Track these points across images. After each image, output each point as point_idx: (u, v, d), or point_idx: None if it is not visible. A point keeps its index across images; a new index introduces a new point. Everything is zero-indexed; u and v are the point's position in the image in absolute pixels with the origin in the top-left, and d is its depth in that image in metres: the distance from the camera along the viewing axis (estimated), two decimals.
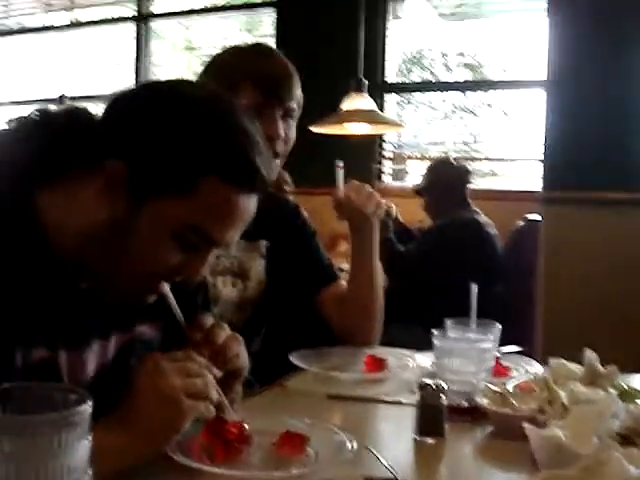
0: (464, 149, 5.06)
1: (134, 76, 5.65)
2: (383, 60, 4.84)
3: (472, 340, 1.37)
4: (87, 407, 0.69)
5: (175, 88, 1.08)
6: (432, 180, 3.62)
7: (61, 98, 4.71)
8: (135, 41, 5.68)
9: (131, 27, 5.71)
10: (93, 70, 5.93)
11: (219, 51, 1.70)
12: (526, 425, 1.03)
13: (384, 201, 1.77)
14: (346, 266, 3.86)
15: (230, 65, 1.62)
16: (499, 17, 4.89)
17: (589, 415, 1.04)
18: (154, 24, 5.74)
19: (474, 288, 1.51)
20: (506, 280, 3.30)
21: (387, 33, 4.84)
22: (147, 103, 1.03)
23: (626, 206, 3.10)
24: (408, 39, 5.10)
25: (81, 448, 0.69)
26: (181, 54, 6.03)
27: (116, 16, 5.81)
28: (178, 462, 1.01)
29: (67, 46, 5.96)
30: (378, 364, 1.62)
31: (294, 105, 1.64)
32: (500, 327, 1.46)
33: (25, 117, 1.07)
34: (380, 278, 1.81)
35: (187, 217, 0.99)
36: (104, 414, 0.99)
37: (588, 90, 3.18)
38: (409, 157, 5.28)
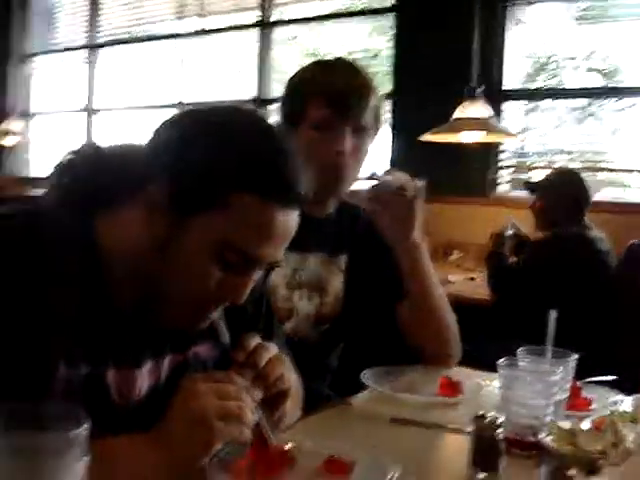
0: (592, 158, 4.85)
1: (257, 83, 5.75)
2: (501, 66, 4.71)
3: (540, 372, 1.29)
4: (85, 429, 0.69)
5: (212, 112, 1.10)
6: (554, 185, 3.46)
7: (179, 104, 4.86)
8: (258, 48, 5.78)
9: (255, 34, 5.81)
10: (217, 77, 6.09)
11: None
12: (571, 472, 0.96)
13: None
14: (453, 277, 3.82)
15: (303, 80, 1.65)
16: (629, 20, 4.64)
17: None
18: (279, 30, 5.84)
19: (552, 314, 1.43)
20: (620, 299, 3.12)
21: (507, 39, 4.71)
22: (183, 127, 1.06)
23: None
24: (534, 44, 4.94)
25: (79, 468, 0.69)
26: (306, 60, 6.08)
27: (240, 23, 5.94)
28: None
29: (193, 53, 6.15)
30: (452, 387, 1.57)
31: (365, 122, 1.62)
32: (576, 357, 1.37)
33: (81, 150, 1.12)
34: (438, 297, 1.73)
35: (223, 234, 1.00)
36: None
37: None
38: (531, 166, 5.12)
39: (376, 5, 5.46)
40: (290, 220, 1.05)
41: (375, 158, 5.27)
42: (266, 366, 1.10)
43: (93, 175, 1.08)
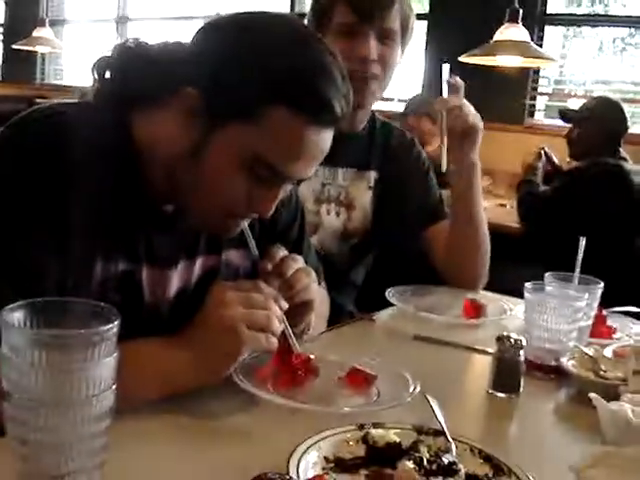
0: (631, 89, 4.73)
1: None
2: None
3: (565, 297, 1.29)
4: (115, 326, 0.70)
5: (254, 19, 1.06)
6: (594, 114, 3.36)
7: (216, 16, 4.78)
8: None
9: None
10: None
11: None
12: (592, 395, 0.97)
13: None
14: (483, 203, 3.78)
15: None
16: None
17: None
18: None
19: (582, 242, 1.41)
20: None
21: None
22: (225, 33, 1.03)
23: None
24: None
25: (108, 363, 0.71)
26: None
27: None
28: (240, 386, 1.03)
29: None
30: (476, 310, 1.58)
31: (391, 27, 1.59)
32: (602, 285, 1.37)
33: (123, 45, 1.09)
34: (481, 222, 1.73)
35: (253, 146, 0.98)
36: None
37: None
38: (569, 94, 5.00)
39: None
40: (323, 139, 1.03)
41: (408, 79, 5.12)
42: (292, 276, 1.11)
43: (133, 71, 1.06)
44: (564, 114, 3.63)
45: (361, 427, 0.92)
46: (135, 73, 1.06)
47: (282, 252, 1.14)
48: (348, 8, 1.57)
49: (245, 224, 1.10)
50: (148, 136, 1.05)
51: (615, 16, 4.83)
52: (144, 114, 1.06)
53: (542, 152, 3.70)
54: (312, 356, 1.12)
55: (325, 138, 1.03)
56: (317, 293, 1.16)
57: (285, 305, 1.06)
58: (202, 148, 1.01)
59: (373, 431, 0.90)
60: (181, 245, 1.14)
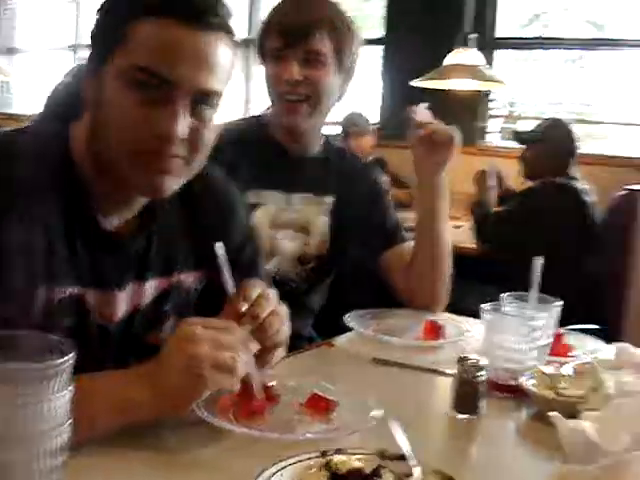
0: (581, 110, 4.83)
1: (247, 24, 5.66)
2: (495, 14, 4.65)
3: (524, 317, 1.30)
4: (70, 358, 0.69)
5: None
6: (545, 136, 3.41)
7: None
8: None
9: None
10: None
11: None
12: (552, 414, 0.97)
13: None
14: None
15: (266, 16, 1.69)
16: None
17: (626, 410, 0.96)
18: None
19: (538, 261, 1.43)
20: (601, 252, 3.12)
21: None
22: None
23: None
24: None
25: (63, 397, 0.69)
26: None
27: None
28: (200, 416, 1.01)
29: None
30: (435, 331, 1.58)
31: (320, 49, 1.61)
32: (560, 304, 1.38)
33: (72, 70, 1.14)
34: (446, 243, 1.74)
35: (132, 60, 1.00)
36: (132, 356, 1.02)
37: None
38: (521, 116, 5.10)
39: None
40: (202, 41, 1.01)
41: (364, 103, 5.16)
42: (265, 320, 1.07)
43: (75, 91, 1.09)
44: (517, 136, 3.68)
45: (324, 454, 0.91)
46: (76, 91, 1.09)
47: (256, 290, 1.09)
48: (276, 33, 1.62)
49: (223, 252, 1.08)
50: (79, 137, 1.08)
51: (565, 39, 4.94)
52: (77, 123, 1.10)
53: (484, 173, 3.68)
54: (272, 383, 1.11)
55: (206, 41, 1.02)
56: (287, 334, 1.14)
57: (255, 348, 1.04)
58: (99, 96, 1.03)
59: (336, 457, 0.89)
60: (128, 266, 1.14)
